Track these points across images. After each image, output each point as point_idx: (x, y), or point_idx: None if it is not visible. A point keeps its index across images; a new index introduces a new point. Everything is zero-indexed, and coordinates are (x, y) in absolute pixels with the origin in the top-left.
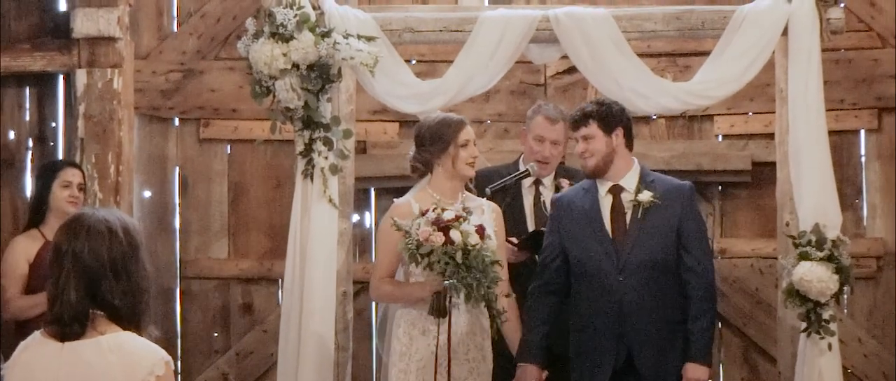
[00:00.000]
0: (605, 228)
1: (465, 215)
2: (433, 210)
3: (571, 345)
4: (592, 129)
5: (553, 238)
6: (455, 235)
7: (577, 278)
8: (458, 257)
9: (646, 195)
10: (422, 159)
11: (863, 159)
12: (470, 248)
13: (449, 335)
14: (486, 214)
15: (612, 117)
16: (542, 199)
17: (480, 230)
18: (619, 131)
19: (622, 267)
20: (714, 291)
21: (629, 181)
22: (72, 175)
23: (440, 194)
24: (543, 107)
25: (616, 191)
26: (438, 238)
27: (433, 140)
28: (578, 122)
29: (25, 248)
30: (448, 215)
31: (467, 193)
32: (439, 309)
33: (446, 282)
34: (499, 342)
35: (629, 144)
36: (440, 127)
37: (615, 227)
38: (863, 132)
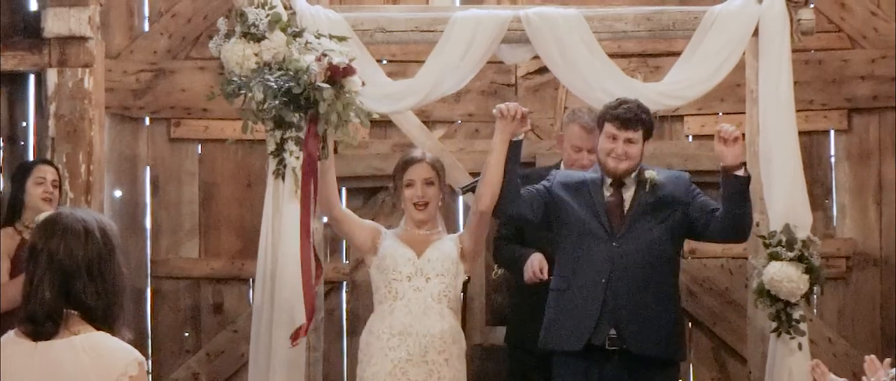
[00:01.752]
0: (603, 201)
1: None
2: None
3: (548, 307)
4: (639, 134)
5: (542, 186)
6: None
7: (565, 239)
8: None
9: (650, 172)
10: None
11: (832, 160)
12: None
13: (308, 146)
14: (451, 236)
15: (652, 126)
16: None
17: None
18: (649, 139)
19: (619, 234)
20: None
21: (631, 177)
22: (45, 172)
23: (409, 227)
24: (578, 114)
25: (618, 183)
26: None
27: (392, 176)
28: (629, 123)
29: (5, 245)
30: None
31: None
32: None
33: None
34: (512, 337)
35: None
36: (396, 164)
37: (612, 202)
38: (832, 133)
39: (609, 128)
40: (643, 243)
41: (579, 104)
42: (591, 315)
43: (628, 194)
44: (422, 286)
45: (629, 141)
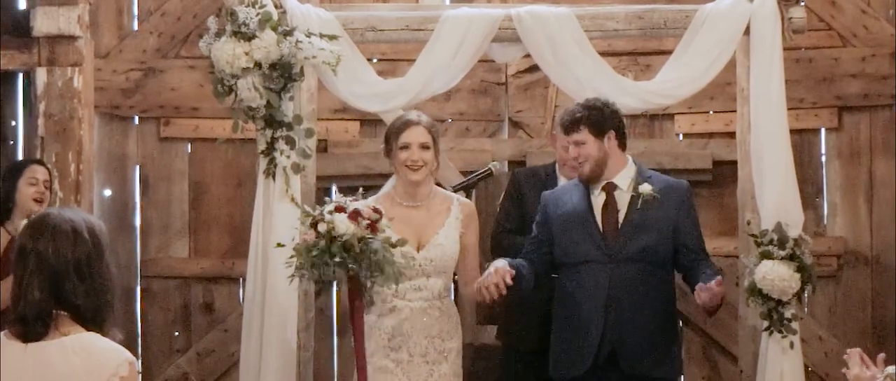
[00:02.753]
0: (596, 221)
1: (345, 203)
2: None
3: (553, 335)
4: (584, 134)
5: (540, 230)
6: (322, 227)
7: (563, 269)
8: (320, 245)
9: (646, 187)
10: (387, 157)
11: (823, 158)
12: (336, 236)
13: (357, 325)
14: (453, 212)
15: (603, 121)
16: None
17: (353, 216)
18: (611, 134)
19: (613, 256)
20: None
21: (623, 179)
22: (38, 172)
23: (400, 197)
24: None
25: (610, 188)
26: (310, 237)
27: (385, 139)
28: (569, 128)
29: None
30: (328, 208)
31: (438, 188)
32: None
33: (298, 272)
34: (508, 336)
35: (622, 145)
36: (390, 126)
37: (606, 221)
38: (823, 131)
39: (559, 138)
40: (640, 266)
41: (570, 103)
42: (593, 341)
43: (622, 205)
44: (423, 285)
45: (577, 143)
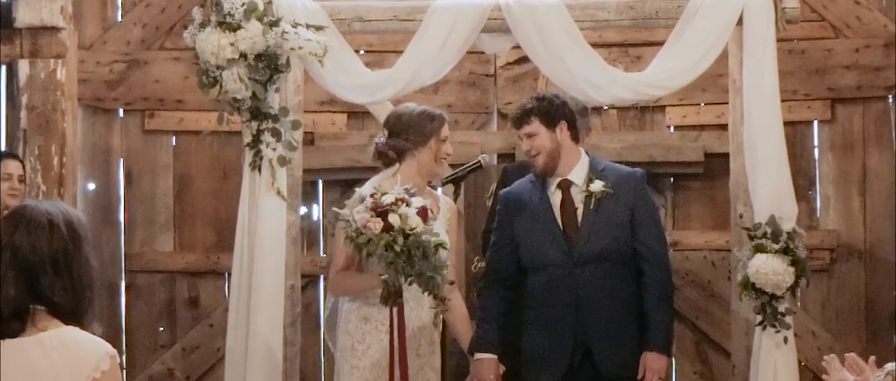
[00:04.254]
0: (557, 221)
1: (406, 196)
2: (372, 195)
3: (524, 337)
4: (535, 126)
5: (502, 233)
6: (394, 219)
7: (529, 273)
8: (399, 242)
9: (597, 186)
10: (396, 148)
11: (816, 151)
12: (409, 232)
13: (401, 325)
14: (441, 210)
15: (553, 112)
16: None
17: (423, 212)
18: (563, 125)
19: (577, 259)
20: (670, 279)
21: (578, 174)
22: (12, 167)
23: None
24: None
25: (565, 186)
26: (377, 224)
27: (414, 131)
28: (520, 120)
29: None
30: (387, 199)
31: (428, 187)
32: (387, 298)
33: (383, 275)
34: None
35: (575, 137)
36: (422, 119)
37: (566, 221)
38: (816, 123)
39: (515, 133)
40: (605, 266)
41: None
42: (567, 343)
43: (579, 203)
44: None
45: (529, 135)
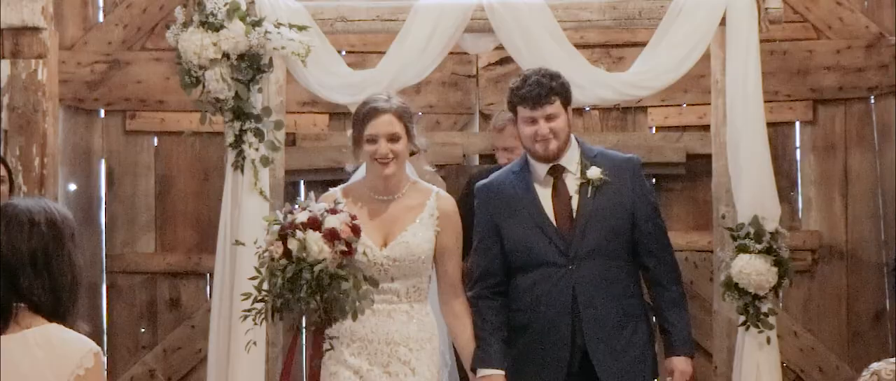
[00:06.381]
0: (546, 213)
1: (319, 214)
2: (299, 208)
3: (513, 349)
4: (557, 106)
5: (486, 232)
6: (292, 244)
7: (517, 273)
8: (288, 272)
9: (594, 172)
10: (352, 145)
11: (798, 152)
12: (312, 263)
13: (290, 356)
14: (427, 207)
15: (568, 90)
16: None
17: (329, 235)
18: (570, 105)
19: (573, 255)
20: (678, 272)
21: (570, 159)
22: None
23: (371, 189)
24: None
25: (557, 172)
26: (277, 249)
27: (353, 124)
28: (541, 99)
29: None
30: (300, 217)
31: (418, 180)
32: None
33: (255, 304)
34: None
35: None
36: (356, 113)
37: (559, 212)
38: (798, 124)
39: (523, 112)
40: (602, 262)
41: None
42: (563, 352)
43: (573, 193)
44: (386, 287)
45: (550, 117)
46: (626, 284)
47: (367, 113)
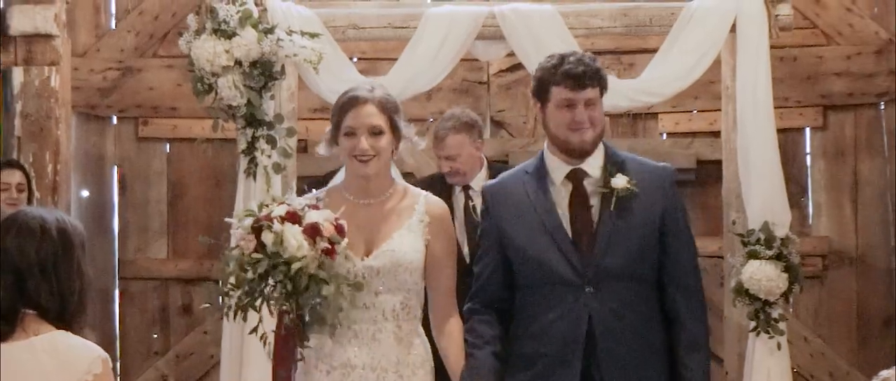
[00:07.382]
0: (563, 225)
1: (303, 210)
2: (276, 202)
3: (515, 378)
4: (597, 91)
5: (490, 240)
6: (267, 237)
7: (525, 292)
8: (261, 267)
9: (620, 181)
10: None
11: (808, 158)
12: (287, 259)
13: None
14: (416, 213)
15: (606, 79)
16: (472, 205)
17: (311, 230)
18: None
19: (591, 276)
20: (704, 308)
21: (594, 163)
22: (8, 176)
23: (350, 191)
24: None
25: (578, 177)
26: (249, 244)
27: (331, 116)
28: (584, 80)
29: None
30: (278, 211)
31: (403, 182)
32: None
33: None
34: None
35: None
36: (335, 104)
37: (577, 223)
38: (808, 130)
39: (559, 93)
40: (624, 286)
41: None
42: None
43: (594, 202)
44: (370, 303)
45: (590, 103)
46: (651, 314)
47: (345, 102)
